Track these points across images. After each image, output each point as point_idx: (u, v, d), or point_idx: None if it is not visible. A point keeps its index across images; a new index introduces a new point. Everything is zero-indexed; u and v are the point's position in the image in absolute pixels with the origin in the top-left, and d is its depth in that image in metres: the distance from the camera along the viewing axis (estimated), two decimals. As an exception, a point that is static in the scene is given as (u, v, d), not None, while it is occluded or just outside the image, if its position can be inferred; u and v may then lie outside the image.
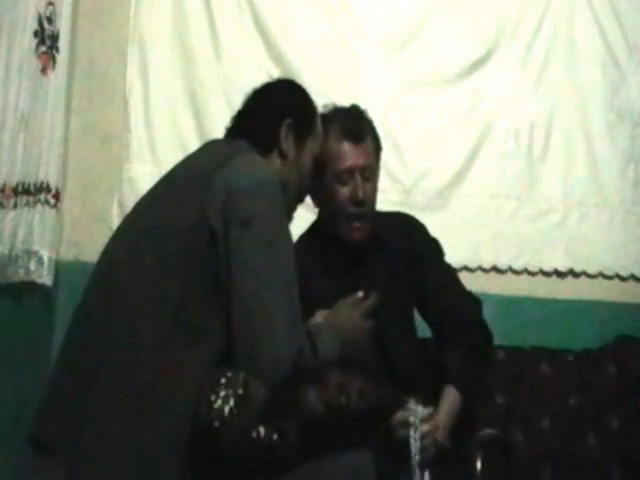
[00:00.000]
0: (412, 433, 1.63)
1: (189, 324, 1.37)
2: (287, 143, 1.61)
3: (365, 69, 2.67)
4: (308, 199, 1.96)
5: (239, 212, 1.40)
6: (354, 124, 1.84)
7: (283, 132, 1.60)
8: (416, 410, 1.65)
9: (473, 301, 1.92)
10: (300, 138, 1.63)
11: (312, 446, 1.37)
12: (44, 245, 2.42)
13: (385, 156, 2.56)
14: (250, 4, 2.66)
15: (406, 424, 1.64)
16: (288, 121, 1.61)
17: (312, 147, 1.67)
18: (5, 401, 2.29)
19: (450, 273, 1.97)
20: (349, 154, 1.80)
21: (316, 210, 2.03)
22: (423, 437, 1.64)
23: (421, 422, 1.65)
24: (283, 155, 1.60)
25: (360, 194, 1.79)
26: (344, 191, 1.81)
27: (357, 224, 1.82)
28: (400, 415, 1.66)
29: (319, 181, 1.79)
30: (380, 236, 1.90)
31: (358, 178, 1.81)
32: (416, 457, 1.62)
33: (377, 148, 1.90)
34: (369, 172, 1.83)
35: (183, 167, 1.58)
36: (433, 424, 1.66)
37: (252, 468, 1.31)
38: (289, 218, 1.62)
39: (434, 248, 1.96)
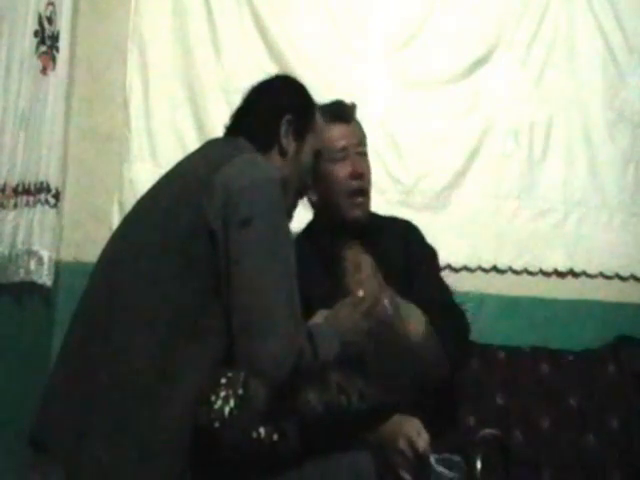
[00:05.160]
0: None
1: (189, 324, 1.37)
2: (287, 140, 1.60)
3: (365, 69, 2.66)
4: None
5: (239, 212, 1.40)
6: (339, 107, 1.89)
7: (283, 129, 1.60)
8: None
9: (457, 315, 1.85)
10: (300, 134, 1.63)
11: (312, 446, 1.37)
12: (44, 245, 2.42)
13: (385, 156, 2.61)
14: (250, 4, 2.66)
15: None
16: (287, 117, 1.60)
17: (312, 142, 1.67)
18: (5, 401, 2.29)
19: (440, 284, 1.91)
20: (341, 134, 1.85)
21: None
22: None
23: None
24: (283, 152, 1.60)
25: (359, 168, 1.85)
26: (342, 169, 1.86)
27: (359, 199, 1.87)
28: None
29: (315, 171, 1.79)
30: (377, 236, 1.90)
31: (353, 154, 1.86)
32: None
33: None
34: (362, 148, 1.90)
35: (183, 166, 1.58)
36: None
37: (252, 468, 1.31)
38: (289, 215, 1.61)
39: (429, 256, 1.94)
